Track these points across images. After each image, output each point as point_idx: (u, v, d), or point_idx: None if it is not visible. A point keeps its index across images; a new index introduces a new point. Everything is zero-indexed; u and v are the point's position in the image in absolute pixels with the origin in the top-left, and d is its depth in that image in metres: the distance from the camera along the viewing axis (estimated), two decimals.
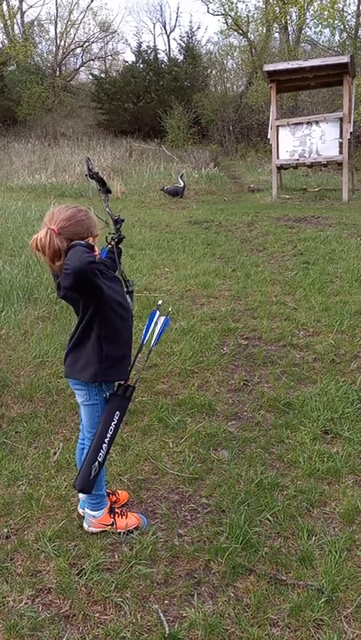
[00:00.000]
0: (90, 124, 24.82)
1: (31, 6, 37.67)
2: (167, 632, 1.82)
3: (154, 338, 2.30)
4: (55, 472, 2.69)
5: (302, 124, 11.58)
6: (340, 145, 11.21)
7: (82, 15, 37.36)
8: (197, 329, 4.35)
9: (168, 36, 35.64)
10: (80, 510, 2.37)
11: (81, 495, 2.32)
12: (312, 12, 19.72)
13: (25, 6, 29.15)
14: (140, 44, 25.14)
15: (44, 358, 3.81)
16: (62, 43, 27.95)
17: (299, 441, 2.92)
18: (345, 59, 11.01)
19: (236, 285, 5.49)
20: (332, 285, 5.33)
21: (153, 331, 2.31)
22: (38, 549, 2.19)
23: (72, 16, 28.29)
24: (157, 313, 2.32)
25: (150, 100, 22.88)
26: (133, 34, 37.48)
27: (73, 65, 29.57)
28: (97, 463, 2.12)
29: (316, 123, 11.43)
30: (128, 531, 2.27)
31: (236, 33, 23.65)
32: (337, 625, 1.87)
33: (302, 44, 23.55)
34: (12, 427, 3.10)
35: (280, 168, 12.29)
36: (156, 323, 2.31)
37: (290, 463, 2.76)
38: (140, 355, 2.32)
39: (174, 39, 44.18)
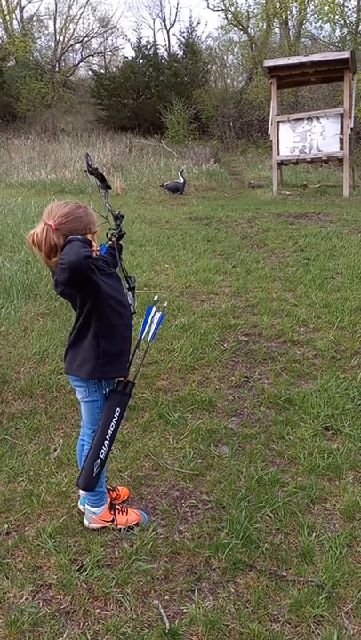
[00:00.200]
0: (89, 119, 24.76)
1: (30, 1, 37.66)
2: (168, 628, 1.82)
3: (150, 334, 2.30)
4: (55, 468, 2.69)
5: (303, 119, 11.55)
6: (341, 141, 11.18)
7: (81, 10, 37.40)
8: (198, 325, 4.34)
9: (168, 32, 35.70)
10: (80, 507, 2.37)
11: (81, 492, 2.32)
12: (313, 7, 19.67)
13: (24, 1, 29.03)
14: (139, 40, 25.09)
15: (44, 355, 3.81)
16: (61, 38, 27.89)
17: (299, 437, 2.92)
18: (345, 54, 10.97)
19: (237, 282, 5.48)
20: (332, 282, 5.32)
21: (149, 327, 2.31)
22: (39, 545, 2.19)
23: (71, 11, 28.25)
24: (153, 309, 2.31)
25: (150, 96, 22.82)
26: (133, 29, 37.48)
27: (72, 60, 29.53)
28: (99, 460, 2.12)
29: (317, 118, 11.40)
30: (128, 527, 2.27)
31: (236, 28, 23.59)
32: (337, 621, 1.87)
33: (303, 40, 23.48)
34: (12, 423, 3.10)
35: (280, 164, 12.26)
36: (152, 319, 2.30)
37: (290, 459, 2.76)
38: (137, 351, 2.31)
39: (174, 34, 44.12)
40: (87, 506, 2.27)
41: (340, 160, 11.54)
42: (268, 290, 5.21)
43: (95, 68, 28.18)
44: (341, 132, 11.14)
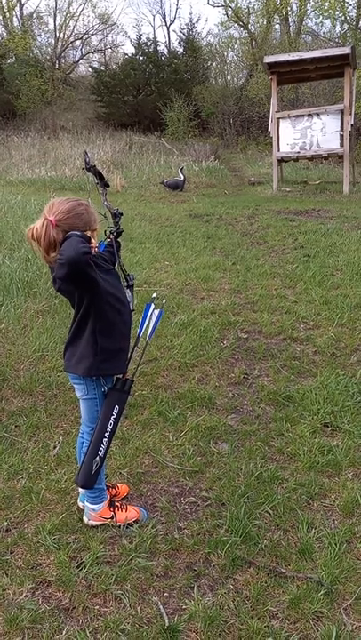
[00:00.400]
0: (89, 117, 24.71)
1: None
2: (167, 624, 1.83)
3: (149, 331, 2.30)
4: (55, 466, 2.69)
5: (303, 116, 11.52)
6: (341, 137, 11.15)
7: (81, 7, 37.27)
8: (197, 322, 4.34)
9: (168, 28, 35.51)
10: (80, 504, 2.38)
11: (81, 489, 2.32)
12: (313, 3, 19.58)
13: None
14: (139, 37, 25.02)
15: (44, 352, 3.81)
16: (61, 35, 27.83)
17: (299, 434, 2.92)
18: (346, 50, 10.93)
19: (237, 279, 5.48)
20: (332, 278, 5.32)
21: (148, 324, 2.30)
22: (38, 542, 2.19)
23: (71, 8, 28.28)
24: (152, 306, 2.31)
25: (150, 93, 22.77)
26: (133, 26, 37.39)
27: (72, 57, 29.47)
28: (98, 458, 2.12)
29: (317, 115, 11.36)
30: (128, 524, 2.27)
31: (236, 24, 23.50)
32: (336, 617, 1.88)
33: (303, 36, 23.42)
34: (11, 420, 3.10)
35: (281, 161, 12.23)
36: (150, 316, 2.30)
37: (290, 456, 2.76)
38: (136, 348, 2.31)
39: (174, 31, 44.00)
40: (87, 503, 2.27)
41: (341, 156, 11.51)
42: (267, 287, 5.21)
43: (95, 65, 28.15)
44: (342, 129, 11.11)
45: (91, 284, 1.96)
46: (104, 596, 1.96)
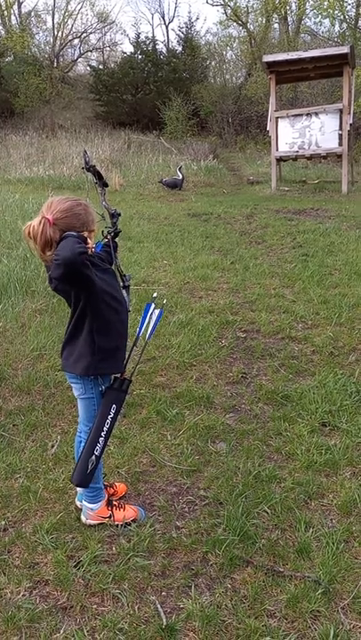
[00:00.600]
0: (88, 115, 24.67)
1: None
2: (164, 623, 1.83)
3: (149, 330, 2.29)
4: (53, 465, 2.69)
5: (302, 115, 11.52)
6: (340, 137, 11.15)
7: (79, 5, 37.03)
8: (196, 322, 4.34)
9: (167, 27, 35.51)
10: (78, 503, 2.38)
11: (78, 488, 2.32)
12: (312, 2, 19.56)
13: None
14: (138, 35, 24.95)
15: (42, 351, 3.80)
16: (60, 33, 27.76)
17: (297, 433, 2.92)
18: (345, 49, 10.93)
19: (235, 278, 5.48)
20: (330, 278, 5.32)
21: (148, 323, 2.30)
22: (36, 542, 2.19)
23: (69, 6, 28.09)
24: (152, 306, 2.30)
25: (149, 92, 22.74)
26: (132, 24, 37.14)
27: (71, 56, 29.41)
28: (94, 457, 2.12)
29: (316, 114, 11.36)
30: (126, 523, 2.27)
31: (235, 23, 23.49)
32: (334, 616, 1.88)
33: (302, 35, 23.41)
34: (9, 419, 3.09)
35: (279, 160, 12.23)
36: (150, 315, 2.30)
37: (288, 455, 2.76)
38: (135, 347, 2.31)
39: (173, 30, 43.89)
40: (84, 502, 2.27)
41: (339, 156, 11.52)
42: (266, 286, 5.21)
43: (94, 63, 28.11)
44: (340, 128, 11.11)
45: (87, 284, 1.95)
46: (102, 595, 1.96)
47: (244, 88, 21.96)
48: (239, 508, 2.32)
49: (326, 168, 14.77)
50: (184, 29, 25.54)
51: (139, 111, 23.20)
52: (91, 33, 28.97)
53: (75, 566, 2.07)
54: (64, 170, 13.83)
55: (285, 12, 22.16)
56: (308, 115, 11.44)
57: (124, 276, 2.30)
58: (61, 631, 1.83)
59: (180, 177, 12.33)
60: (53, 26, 27.78)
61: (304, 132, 11.42)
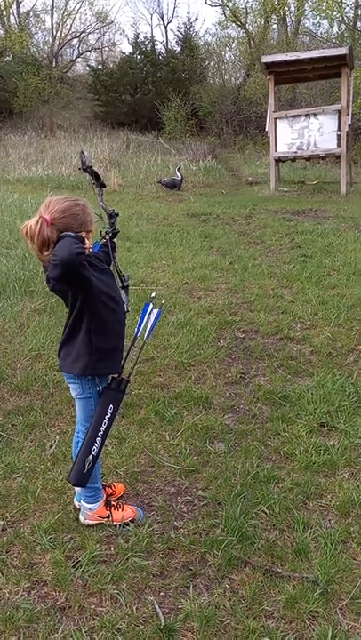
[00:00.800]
0: (87, 115, 24.66)
1: None
2: (163, 623, 1.83)
3: (147, 330, 2.29)
4: (51, 465, 2.69)
5: (300, 116, 11.52)
6: (339, 137, 11.16)
7: (78, 5, 37.08)
8: (194, 322, 4.34)
9: (166, 27, 35.52)
10: (76, 503, 2.37)
11: (77, 488, 2.32)
12: (311, 3, 19.60)
13: None
14: (137, 35, 24.97)
15: (41, 351, 3.80)
16: (58, 33, 27.75)
17: (295, 434, 2.92)
18: (343, 50, 10.94)
19: (234, 278, 5.48)
20: (329, 278, 5.33)
21: (146, 323, 2.30)
22: (34, 542, 2.19)
23: (68, 6, 28.08)
24: (151, 305, 2.30)
25: (148, 92, 22.73)
26: (130, 25, 37.37)
27: (69, 56, 29.40)
28: (91, 457, 2.11)
29: (315, 115, 11.38)
30: (124, 523, 2.27)
31: (234, 24, 23.51)
32: (332, 617, 1.88)
33: (301, 36, 23.45)
34: (8, 419, 3.09)
35: (278, 161, 12.24)
36: (149, 315, 2.29)
37: (286, 456, 2.76)
38: (133, 347, 2.31)
39: (172, 30, 43.83)
40: (83, 502, 2.27)
41: (338, 157, 11.53)
42: (264, 287, 5.21)
43: (92, 63, 28.11)
44: (339, 129, 11.12)
45: (84, 284, 1.95)
46: (100, 595, 1.96)
47: (243, 89, 21.98)
48: (238, 508, 2.33)
49: (325, 169, 14.79)
50: (183, 30, 25.61)
51: (137, 111, 23.20)
52: (90, 33, 29.02)
53: (73, 566, 2.07)
54: (63, 170, 13.82)
55: (284, 13, 22.20)
56: (306, 115, 11.45)
57: (123, 276, 2.30)
58: (60, 631, 1.83)
59: (179, 177, 12.33)
60: (52, 26, 27.80)
61: (303, 132, 11.43)
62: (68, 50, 29.07)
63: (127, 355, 2.26)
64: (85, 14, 47.59)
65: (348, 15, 19.45)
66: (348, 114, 11.05)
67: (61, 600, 1.94)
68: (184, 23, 31.13)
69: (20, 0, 28.26)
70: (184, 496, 2.49)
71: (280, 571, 2.05)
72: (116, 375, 2.20)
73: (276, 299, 4.87)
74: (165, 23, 35.61)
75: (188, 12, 37.62)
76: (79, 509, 2.32)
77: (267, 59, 11.79)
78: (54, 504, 2.41)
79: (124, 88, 23.23)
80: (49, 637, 1.81)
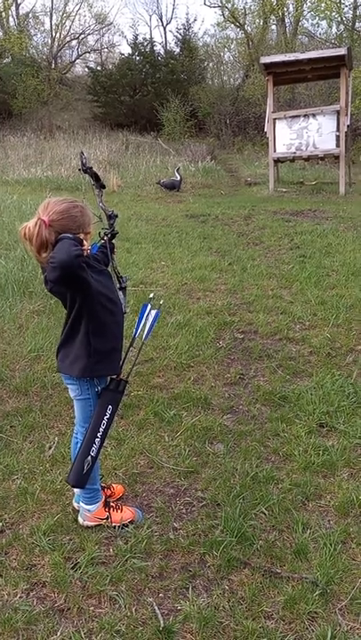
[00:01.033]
0: (86, 117, 24.68)
1: None
2: (162, 625, 1.82)
3: (145, 331, 2.29)
4: (50, 466, 2.69)
5: (299, 116, 11.53)
6: (337, 138, 11.17)
7: (77, 7, 37.09)
8: (193, 323, 4.34)
9: (165, 28, 35.38)
10: (75, 504, 2.37)
11: (76, 489, 2.32)
12: (309, 3, 19.63)
13: None
14: (136, 37, 25.05)
15: (40, 352, 3.79)
16: (58, 35, 27.75)
17: (294, 434, 2.92)
18: (342, 51, 10.95)
19: (233, 279, 5.48)
20: (328, 279, 5.32)
21: (144, 324, 2.30)
22: (33, 543, 2.18)
23: (67, 8, 28.06)
24: (149, 306, 2.30)
25: (147, 93, 22.75)
26: (129, 26, 37.49)
27: (68, 57, 29.40)
28: (89, 458, 2.11)
29: (313, 115, 11.38)
30: (123, 524, 2.27)
31: (232, 25, 23.53)
32: (331, 617, 1.88)
33: (299, 37, 23.46)
34: (6, 421, 3.09)
35: (277, 161, 12.24)
36: (147, 316, 2.29)
37: (285, 456, 2.76)
38: (132, 348, 2.31)
39: (171, 31, 43.84)
40: (82, 503, 2.27)
41: (337, 157, 11.53)
42: (263, 287, 5.21)
43: (92, 64, 28.12)
44: (338, 129, 11.13)
45: (82, 286, 1.95)
46: (99, 597, 1.96)
47: (242, 89, 22.00)
48: (237, 509, 2.32)
49: (324, 169, 14.79)
50: (182, 31, 25.64)
51: (137, 112, 23.22)
52: (89, 34, 29.04)
53: (72, 568, 2.07)
54: (62, 171, 13.82)
55: (283, 14, 22.24)
56: (305, 116, 11.46)
57: (121, 277, 2.30)
58: (58, 633, 1.82)
59: (178, 178, 12.33)
60: (51, 27, 27.80)
61: (302, 133, 11.43)
62: (67, 51, 29.12)
63: (126, 355, 2.26)
64: (84, 16, 47.72)
65: (346, 16, 19.49)
66: (346, 114, 11.05)
67: (60, 602, 1.94)
68: (183, 24, 31.16)
69: (20, 1, 28.31)
70: (183, 497, 2.49)
71: (279, 571, 2.05)
72: (114, 376, 2.20)
73: (275, 299, 4.87)
74: (164, 24, 35.50)
75: (187, 13, 37.78)
76: (78, 511, 2.31)
77: (265, 59, 11.80)
78: (53, 505, 2.41)
79: (123, 89, 23.25)
80: (48, 639, 1.80)
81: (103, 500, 2.29)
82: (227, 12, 22.95)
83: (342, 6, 18.70)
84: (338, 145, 11.19)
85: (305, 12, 21.12)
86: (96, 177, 2.21)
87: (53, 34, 27.67)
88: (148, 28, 37.41)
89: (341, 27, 20.05)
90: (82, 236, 1.98)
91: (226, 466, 2.67)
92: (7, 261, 5.44)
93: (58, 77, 25.77)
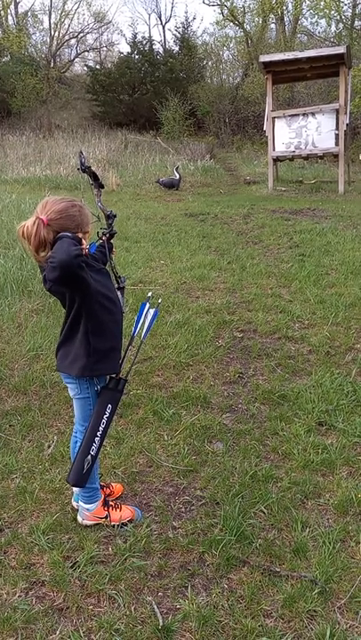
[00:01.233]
0: (85, 115, 24.66)
1: None
2: (161, 624, 1.82)
3: (144, 330, 2.29)
4: (49, 465, 2.69)
5: (298, 115, 11.53)
6: (336, 136, 11.16)
7: (76, 5, 37.08)
8: (192, 322, 4.33)
9: (163, 27, 35.49)
10: (74, 503, 2.37)
11: (75, 488, 2.32)
12: (308, 2, 19.61)
13: None
14: (135, 35, 24.97)
15: (38, 351, 3.79)
16: (56, 33, 27.71)
17: (293, 433, 2.92)
18: (341, 49, 10.94)
19: (232, 278, 5.48)
20: (327, 277, 5.32)
21: (143, 323, 2.29)
22: (32, 542, 2.18)
23: (66, 6, 28.12)
24: (147, 305, 2.30)
25: (146, 92, 22.74)
26: (128, 24, 37.44)
27: (67, 56, 29.39)
28: (89, 457, 2.11)
29: (313, 114, 11.38)
30: (122, 523, 2.27)
31: (231, 24, 23.51)
32: (330, 616, 1.88)
33: (298, 35, 23.44)
34: (5, 420, 3.09)
35: (276, 160, 12.24)
36: (145, 315, 2.29)
37: (284, 455, 2.76)
38: (131, 347, 2.30)
39: (170, 30, 43.99)
40: (81, 502, 2.27)
41: (336, 156, 11.53)
42: (263, 286, 5.21)
43: (90, 63, 28.10)
44: (337, 128, 11.13)
45: (82, 286, 1.94)
46: (98, 595, 1.96)
47: (241, 88, 21.97)
48: (236, 507, 2.32)
49: (323, 168, 14.79)
50: (181, 29, 25.61)
51: (136, 111, 23.20)
52: (87, 33, 28.99)
53: (71, 567, 2.07)
54: (61, 170, 13.81)
55: (282, 13, 22.22)
56: (304, 115, 11.45)
57: (120, 277, 2.29)
58: (57, 632, 1.82)
59: (177, 177, 12.32)
60: (50, 26, 27.73)
61: (301, 131, 11.43)
62: (65, 50, 29.11)
63: (125, 354, 2.26)
64: (83, 14, 47.71)
65: (345, 14, 19.47)
66: (346, 113, 11.05)
67: (59, 601, 1.94)
68: (182, 23, 31.21)
69: (18, 0, 28.25)
70: (182, 496, 2.49)
71: (278, 570, 2.05)
72: (113, 375, 2.20)
73: (274, 298, 4.87)
74: (163, 23, 35.59)
75: (186, 12, 37.75)
76: (77, 510, 2.31)
77: (265, 58, 11.79)
78: (52, 504, 2.41)
79: (122, 88, 23.22)
80: (47, 638, 1.80)
81: (102, 498, 2.29)
82: (226, 11, 22.94)
83: (341, 4, 18.68)
84: (337, 143, 11.18)
85: (304, 11, 21.13)
86: (94, 176, 2.21)
87: (52, 32, 27.64)
88: (147, 27, 37.60)
89: (340, 25, 20.05)
90: (80, 235, 1.98)
91: (225, 464, 2.67)
92: (6, 260, 5.43)
93: (57, 76, 25.73)
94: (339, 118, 11.06)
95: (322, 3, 17.66)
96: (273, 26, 24.69)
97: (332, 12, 18.27)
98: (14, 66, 23.35)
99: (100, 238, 2.27)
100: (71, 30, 28.27)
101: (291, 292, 5.02)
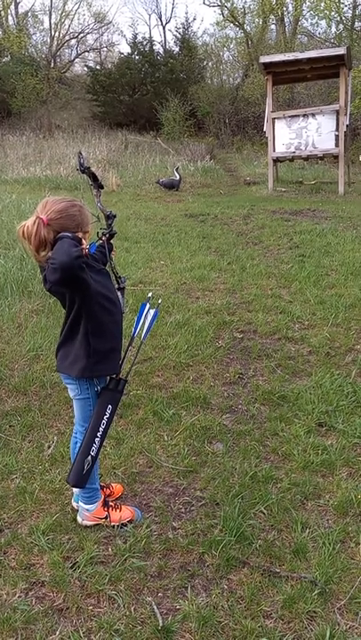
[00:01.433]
0: (85, 116, 24.67)
1: None
2: (161, 624, 1.82)
3: (144, 331, 2.29)
4: (49, 465, 2.68)
5: (298, 116, 11.53)
6: (337, 137, 11.17)
7: (76, 6, 37.06)
8: (192, 322, 4.33)
9: (164, 28, 35.54)
10: (74, 504, 2.37)
11: (75, 489, 2.32)
12: (309, 3, 19.63)
13: None
14: (135, 36, 25.04)
15: (38, 352, 3.79)
16: (57, 34, 27.70)
17: (293, 434, 2.92)
18: (341, 50, 10.95)
19: (232, 279, 5.48)
20: (327, 278, 5.33)
21: (143, 324, 2.29)
22: (32, 543, 2.18)
23: (66, 7, 28.04)
24: (147, 306, 2.30)
25: (146, 93, 22.74)
26: (129, 25, 37.49)
27: (68, 56, 29.39)
28: (89, 457, 2.11)
29: (313, 115, 11.38)
30: (122, 524, 2.27)
31: (232, 24, 23.52)
32: (330, 616, 1.88)
33: (299, 36, 23.45)
34: (5, 420, 3.08)
35: (276, 161, 12.24)
36: (145, 315, 2.29)
37: (284, 456, 2.76)
38: (131, 348, 2.30)
39: (170, 30, 43.99)
40: (80, 503, 2.27)
41: (336, 157, 11.54)
42: (263, 287, 5.21)
43: (91, 64, 28.10)
44: (337, 129, 11.13)
45: (82, 287, 1.94)
46: (98, 596, 1.96)
47: (241, 89, 21.99)
48: (236, 508, 2.32)
49: (323, 169, 14.79)
50: (181, 30, 25.64)
51: (136, 112, 23.21)
52: (88, 33, 28.99)
53: (71, 567, 2.07)
54: (61, 170, 13.81)
55: (282, 14, 22.24)
56: (304, 116, 11.46)
57: (120, 278, 2.30)
58: (57, 632, 1.82)
59: (177, 177, 12.33)
60: (50, 26, 27.73)
61: (301, 132, 11.43)
62: (66, 50, 29.11)
63: (125, 355, 2.26)
64: (83, 15, 47.63)
65: (346, 15, 19.48)
66: (346, 114, 11.05)
67: (59, 601, 1.94)
68: (182, 23, 31.23)
69: (19, 0, 28.27)
70: (182, 496, 2.49)
71: (278, 571, 2.05)
72: (113, 375, 2.20)
73: (274, 299, 4.87)
74: (163, 23, 35.64)
75: (187, 13, 37.78)
76: (77, 510, 2.31)
77: (265, 59, 11.79)
78: (52, 505, 2.41)
79: (123, 88, 23.23)
80: (46, 639, 1.80)
81: (102, 499, 2.29)
82: (226, 12, 22.97)
83: (342, 6, 18.70)
84: (337, 144, 11.19)
85: (304, 12, 21.15)
86: (94, 177, 2.20)
87: (52, 33, 27.64)
88: (147, 28, 37.61)
89: (341, 26, 20.06)
90: (80, 234, 1.98)
91: (225, 465, 2.67)
92: (6, 260, 5.43)
93: (57, 76, 25.74)
94: (339, 119, 11.06)
95: (322, 4, 17.68)
96: (273, 27, 24.75)
97: (333, 13, 18.29)
98: (14, 66, 23.36)
99: (100, 239, 2.27)
100: (71, 31, 28.30)
101: (291, 293, 5.02)
